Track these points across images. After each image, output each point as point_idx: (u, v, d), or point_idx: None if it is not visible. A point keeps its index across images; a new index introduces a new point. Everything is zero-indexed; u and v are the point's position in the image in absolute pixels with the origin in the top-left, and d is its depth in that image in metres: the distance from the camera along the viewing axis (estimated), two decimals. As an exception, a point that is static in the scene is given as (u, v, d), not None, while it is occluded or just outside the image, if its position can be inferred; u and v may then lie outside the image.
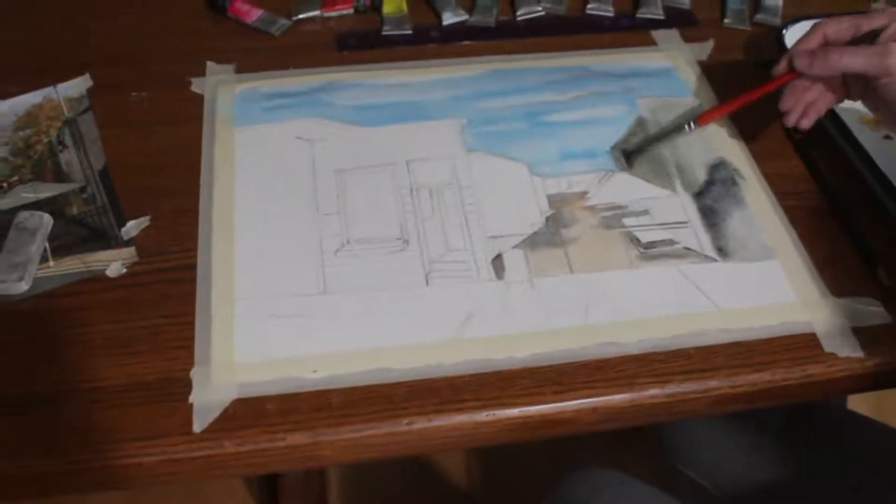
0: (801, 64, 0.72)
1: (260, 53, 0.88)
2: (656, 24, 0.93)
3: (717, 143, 0.79)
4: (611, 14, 0.94)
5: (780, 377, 0.63)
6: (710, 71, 0.87)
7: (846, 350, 0.64)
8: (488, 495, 1.40)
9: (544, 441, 0.88)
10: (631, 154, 0.77)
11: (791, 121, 0.74)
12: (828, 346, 0.64)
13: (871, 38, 0.70)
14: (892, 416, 1.12)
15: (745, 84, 0.84)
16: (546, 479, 0.83)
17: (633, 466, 0.83)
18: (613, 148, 0.78)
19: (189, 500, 1.34)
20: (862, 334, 0.65)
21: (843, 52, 0.69)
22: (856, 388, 0.66)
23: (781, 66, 0.74)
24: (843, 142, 0.78)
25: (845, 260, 0.70)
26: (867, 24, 0.71)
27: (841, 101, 0.75)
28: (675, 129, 0.78)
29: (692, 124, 0.77)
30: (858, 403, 1.01)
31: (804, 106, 0.74)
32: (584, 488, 0.79)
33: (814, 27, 0.73)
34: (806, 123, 0.74)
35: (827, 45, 0.72)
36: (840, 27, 0.72)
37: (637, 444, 1.10)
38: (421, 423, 0.59)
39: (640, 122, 0.81)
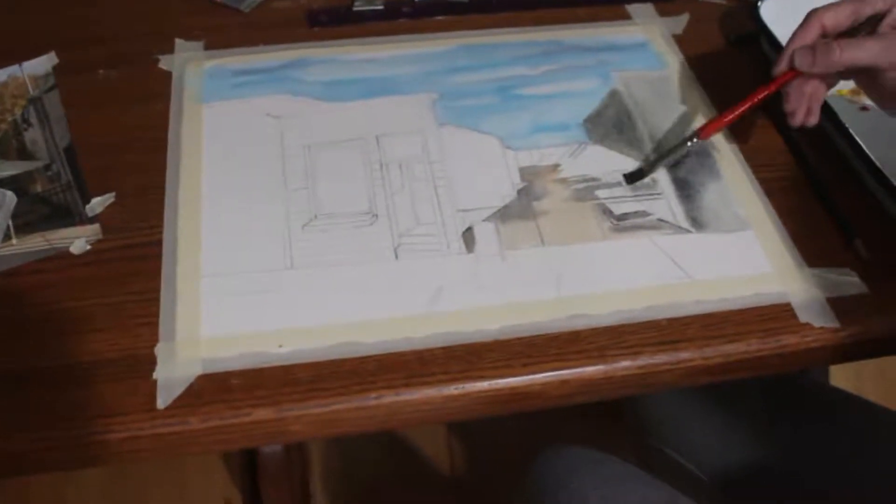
0: (802, 63, 0.68)
1: (229, 30, 0.87)
2: (631, -3, 0.92)
3: (691, 114, 0.79)
4: (586, -12, 0.93)
5: (755, 348, 0.62)
6: (685, 45, 0.86)
7: (821, 320, 0.63)
8: (471, 474, 1.39)
9: (527, 419, 0.88)
10: (634, 177, 0.73)
11: (798, 120, 0.70)
12: (803, 317, 0.64)
13: (871, 23, 0.67)
14: (870, 391, 1.12)
15: (719, 58, 0.85)
16: (530, 458, 0.82)
17: (615, 445, 0.83)
18: (626, 176, 0.73)
19: (168, 483, 1.34)
20: (837, 305, 0.64)
21: (846, 47, 0.66)
22: (831, 358, 0.66)
23: (782, 66, 0.70)
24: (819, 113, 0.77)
25: (821, 231, 0.70)
26: (869, 8, 0.67)
27: (835, 84, 0.72)
28: (678, 146, 0.74)
29: (695, 139, 0.73)
30: (838, 380, 1.01)
31: (807, 102, 0.70)
32: (559, 467, 0.79)
33: (809, 16, 0.69)
34: (813, 120, 0.70)
35: (825, 35, 0.69)
36: (838, 15, 0.68)
37: (618, 422, 1.09)
38: (389, 398, 0.59)
39: (614, 95, 0.80)
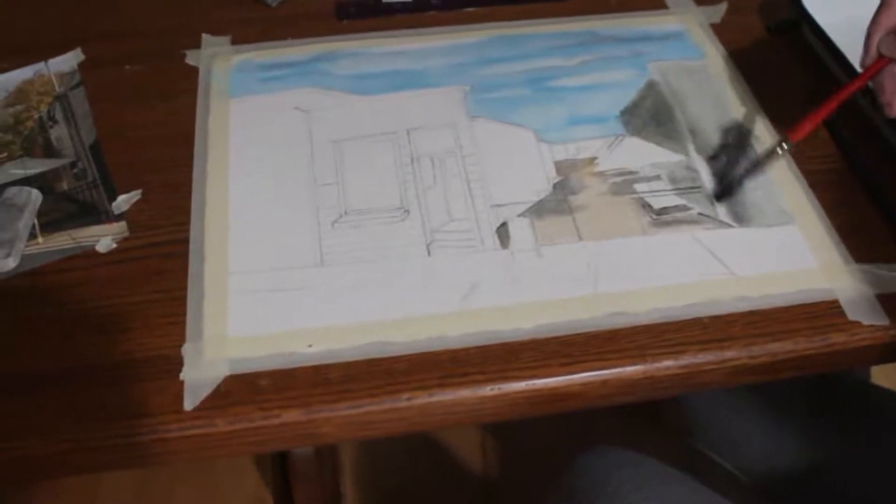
0: (889, 49, 0.64)
1: (257, 24, 0.85)
2: (668, -14, 0.90)
3: (731, 105, 0.76)
4: (620, -23, 0.91)
5: (802, 346, 0.60)
6: (723, 34, 0.84)
7: (871, 318, 0.61)
8: (504, 476, 1.38)
9: (562, 422, 0.86)
10: (723, 194, 0.69)
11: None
12: (851, 314, 0.61)
13: None
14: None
15: (759, 47, 0.82)
16: (564, 460, 0.80)
17: (653, 447, 0.81)
18: (716, 195, 0.69)
19: (199, 484, 1.33)
20: (887, 302, 0.62)
21: None
22: (881, 357, 0.63)
23: (870, 56, 0.66)
24: (865, 103, 0.74)
25: (868, 225, 0.67)
26: None
27: None
28: (767, 154, 0.70)
29: (785, 144, 0.69)
30: (880, 378, 0.98)
31: None
32: (598, 468, 0.77)
33: None
34: None
35: None
36: None
37: (656, 424, 1.07)
38: (422, 399, 0.57)
39: (651, 86, 0.78)
